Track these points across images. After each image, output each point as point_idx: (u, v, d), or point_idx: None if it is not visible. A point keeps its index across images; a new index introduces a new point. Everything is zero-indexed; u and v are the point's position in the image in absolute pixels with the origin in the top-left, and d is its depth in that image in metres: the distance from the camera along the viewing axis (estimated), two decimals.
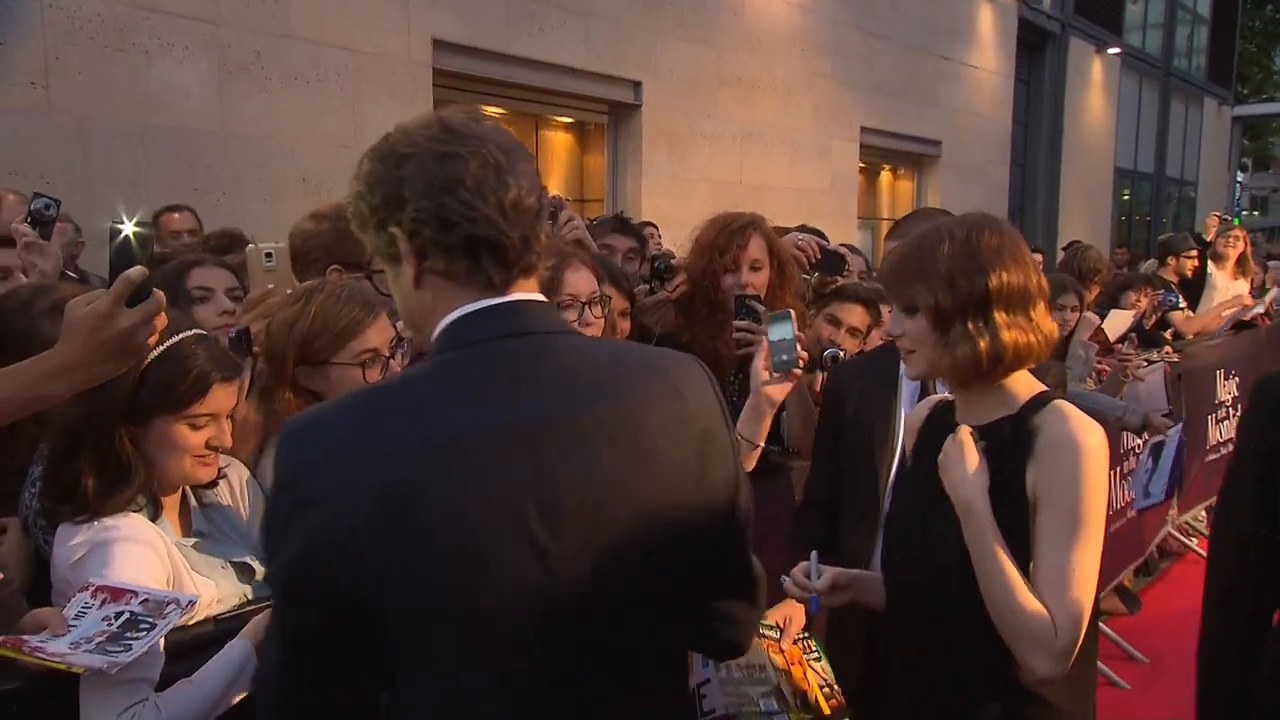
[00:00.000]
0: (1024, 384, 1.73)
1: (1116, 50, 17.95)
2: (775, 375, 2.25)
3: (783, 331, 2.27)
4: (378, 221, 1.26)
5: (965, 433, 1.71)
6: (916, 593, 1.76)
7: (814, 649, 2.27)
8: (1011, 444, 1.67)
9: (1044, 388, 1.75)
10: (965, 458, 1.68)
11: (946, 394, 1.91)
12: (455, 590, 1.14)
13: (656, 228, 6.43)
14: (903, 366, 2.23)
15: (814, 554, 1.96)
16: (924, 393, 2.22)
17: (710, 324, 2.75)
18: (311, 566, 1.13)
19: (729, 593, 1.41)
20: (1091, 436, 1.62)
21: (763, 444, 2.34)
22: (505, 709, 1.19)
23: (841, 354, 2.80)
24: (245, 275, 2.56)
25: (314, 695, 1.17)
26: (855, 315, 3.17)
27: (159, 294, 1.55)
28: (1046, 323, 1.70)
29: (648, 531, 1.24)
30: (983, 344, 1.64)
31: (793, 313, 2.34)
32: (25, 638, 1.47)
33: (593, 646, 1.22)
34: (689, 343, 2.80)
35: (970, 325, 1.65)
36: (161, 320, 1.57)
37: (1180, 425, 4.87)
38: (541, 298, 1.31)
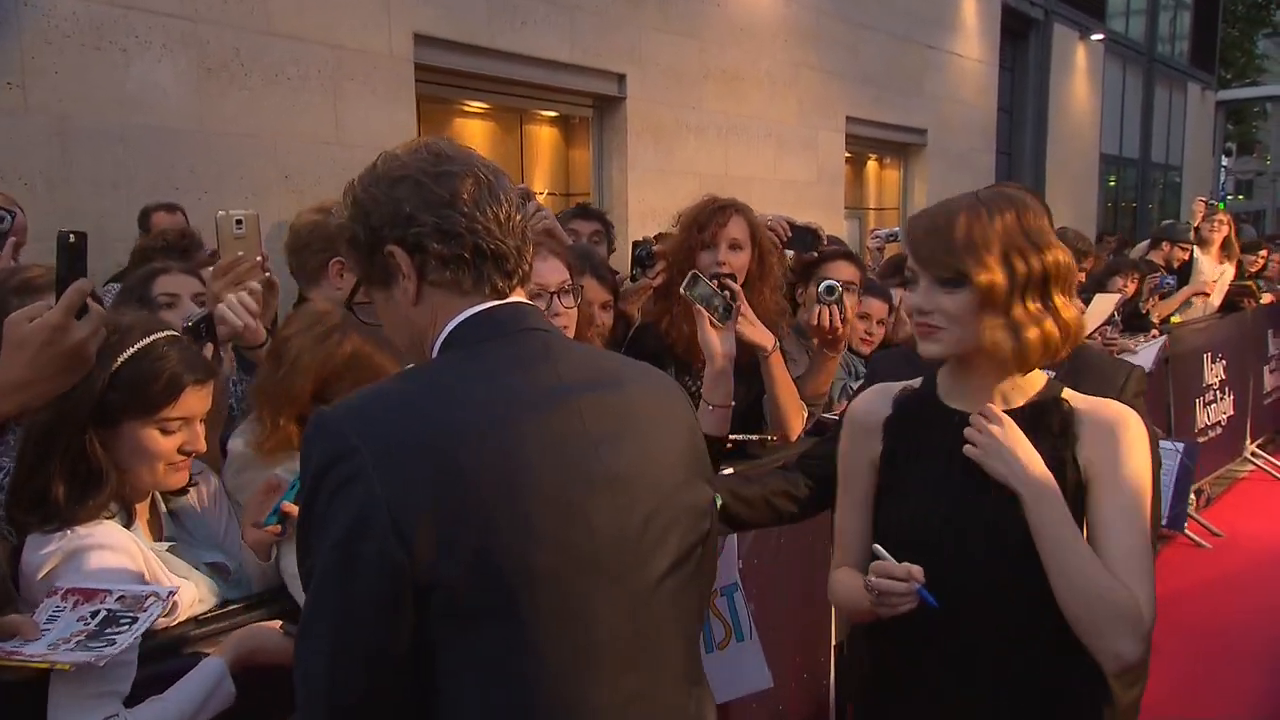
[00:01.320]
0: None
1: (1100, 36, 17.98)
2: (719, 328, 2.35)
3: (700, 288, 2.37)
4: (373, 245, 1.30)
5: (1003, 416, 1.63)
6: (968, 591, 1.64)
7: None
8: (1061, 427, 1.63)
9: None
10: (1019, 441, 1.60)
11: (894, 383, 1.81)
12: (504, 564, 1.17)
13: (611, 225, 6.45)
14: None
15: (876, 546, 1.70)
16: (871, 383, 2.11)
17: (689, 309, 2.73)
18: (359, 543, 1.13)
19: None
20: (1133, 415, 1.63)
21: (731, 403, 2.37)
22: (546, 683, 1.21)
23: (838, 285, 2.77)
24: (208, 280, 2.54)
25: (366, 680, 1.16)
26: (845, 270, 3.21)
27: (95, 307, 1.53)
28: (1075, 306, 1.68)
29: (666, 514, 1.31)
30: (1049, 326, 1.58)
31: (696, 271, 2.43)
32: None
33: (629, 620, 1.27)
34: (667, 328, 2.78)
35: (1032, 306, 1.58)
36: (102, 332, 1.56)
37: (1183, 447, 4.76)
38: (531, 303, 1.38)
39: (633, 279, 2.57)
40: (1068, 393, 1.67)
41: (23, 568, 1.60)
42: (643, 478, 1.29)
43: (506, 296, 1.33)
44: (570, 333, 2.32)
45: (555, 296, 2.33)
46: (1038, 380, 1.69)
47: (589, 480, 1.23)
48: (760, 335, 2.56)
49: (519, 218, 1.33)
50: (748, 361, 2.62)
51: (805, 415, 2.76)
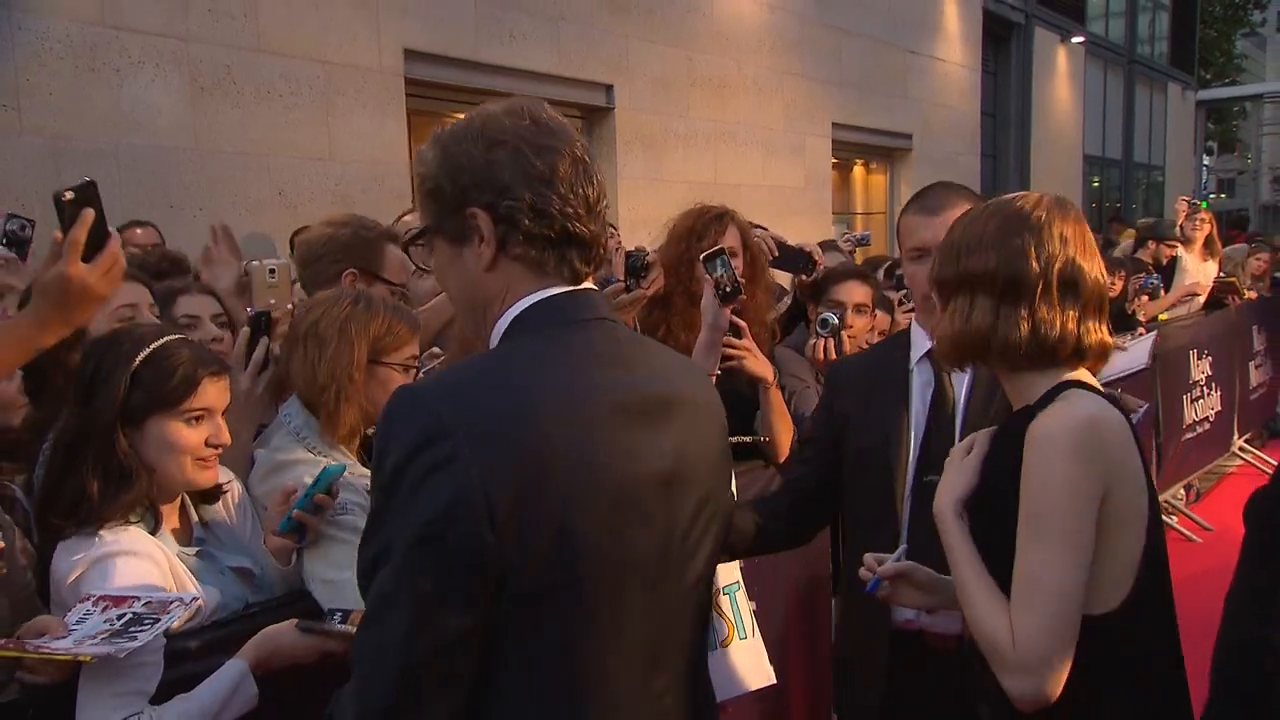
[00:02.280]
0: (1050, 375, 1.62)
1: (1080, 39, 18.17)
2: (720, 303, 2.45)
3: (719, 269, 2.46)
4: (458, 203, 1.28)
5: (972, 438, 1.65)
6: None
7: None
8: (1016, 439, 1.56)
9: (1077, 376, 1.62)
10: (953, 464, 1.63)
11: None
12: (580, 552, 1.18)
13: (616, 229, 6.48)
14: (911, 361, 2.18)
15: (903, 547, 1.89)
16: (939, 388, 2.13)
17: (685, 316, 2.78)
18: (451, 525, 1.12)
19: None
20: (1068, 427, 1.50)
21: (717, 372, 2.50)
22: (596, 674, 1.22)
23: (836, 319, 2.83)
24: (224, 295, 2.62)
25: (442, 664, 1.14)
26: (857, 292, 3.24)
27: (114, 238, 1.63)
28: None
29: (708, 513, 1.35)
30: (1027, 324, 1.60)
31: (724, 254, 2.49)
32: (25, 640, 1.50)
33: (670, 616, 1.31)
34: (664, 336, 2.83)
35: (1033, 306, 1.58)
36: (120, 264, 1.64)
37: (1145, 407, 4.98)
38: (599, 290, 1.39)
39: (627, 289, 2.61)
40: (1062, 397, 1.58)
41: (52, 574, 1.66)
42: (695, 478, 1.32)
43: (581, 281, 1.33)
44: None
45: None
46: (1043, 383, 1.62)
47: (653, 477, 1.25)
48: (762, 369, 2.65)
49: (605, 199, 1.33)
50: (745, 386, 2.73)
51: (792, 437, 2.84)
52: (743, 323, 2.62)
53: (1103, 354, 1.63)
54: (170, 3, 5.49)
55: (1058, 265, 1.57)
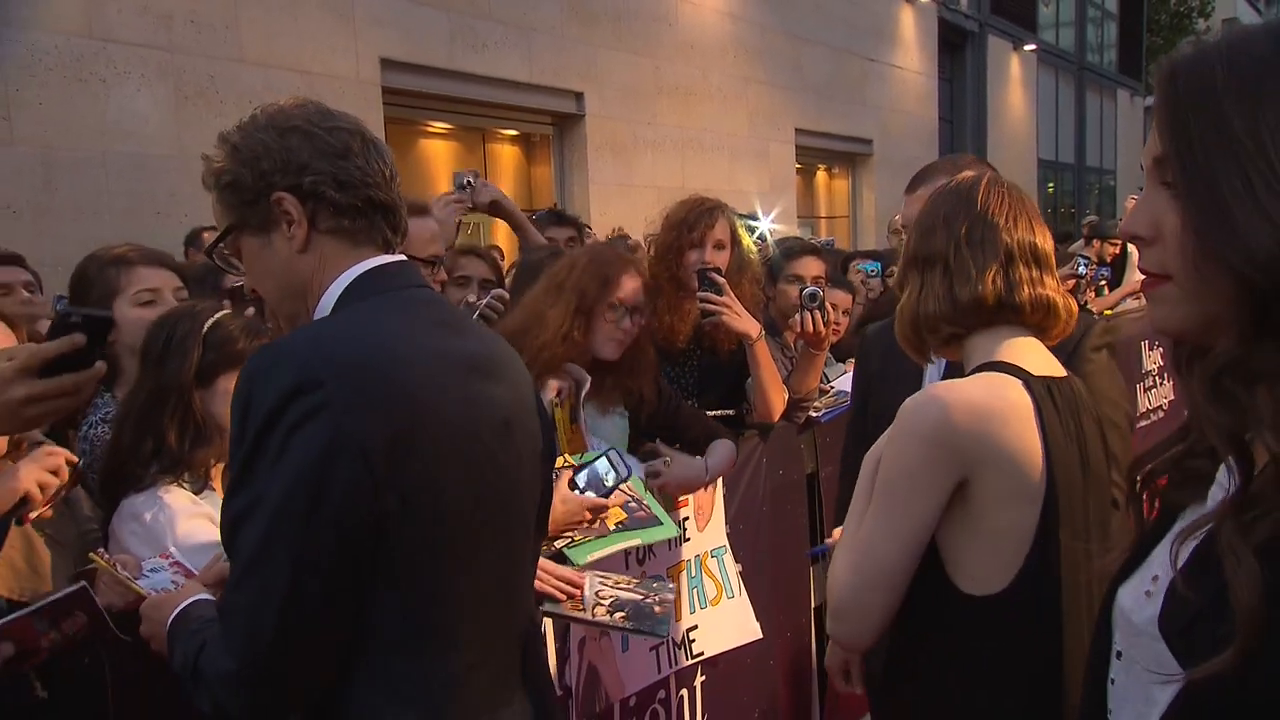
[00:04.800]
0: (982, 351, 1.59)
1: (1032, 47, 18.67)
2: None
3: (704, 288, 2.70)
4: (260, 191, 1.31)
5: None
6: None
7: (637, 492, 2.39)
8: None
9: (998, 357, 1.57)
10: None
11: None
12: (447, 496, 1.24)
13: (591, 229, 6.67)
14: None
15: None
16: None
17: (672, 300, 2.93)
18: (327, 472, 1.14)
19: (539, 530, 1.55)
20: (925, 410, 1.48)
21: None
22: (474, 615, 1.30)
23: (819, 291, 2.88)
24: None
25: (323, 611, 1.17)
26: (813, 266, 3.44)
27: (89, 373, 1.42)
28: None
29: (534, 459, 1.43)
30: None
31: (711, 276, 2.71)
32: (116, 558, 1.67)
33: (524, 555, 1.43)
34: (648, 319, 3.00)
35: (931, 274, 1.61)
36: (80, 399, 1.46)
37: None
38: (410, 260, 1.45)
39: None
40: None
41: (113, 530, 1.82)
42: (526, 430, 1.40)
43: (394, 251, 1.38)
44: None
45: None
46: (978, 356, 1.61)
47: (497, 426, 1.33)
48: (747, 324, 2.77)
49: (398, 180, 1.39)
50: (735, 349, 2.88)
51: (785, 397, 2.98)
52: (722, 280, 2.75)
53: (1047, 308, 1.58)
54: (155, 15, 5.63)
55: (963, 226, 1.58)
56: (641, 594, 2.06)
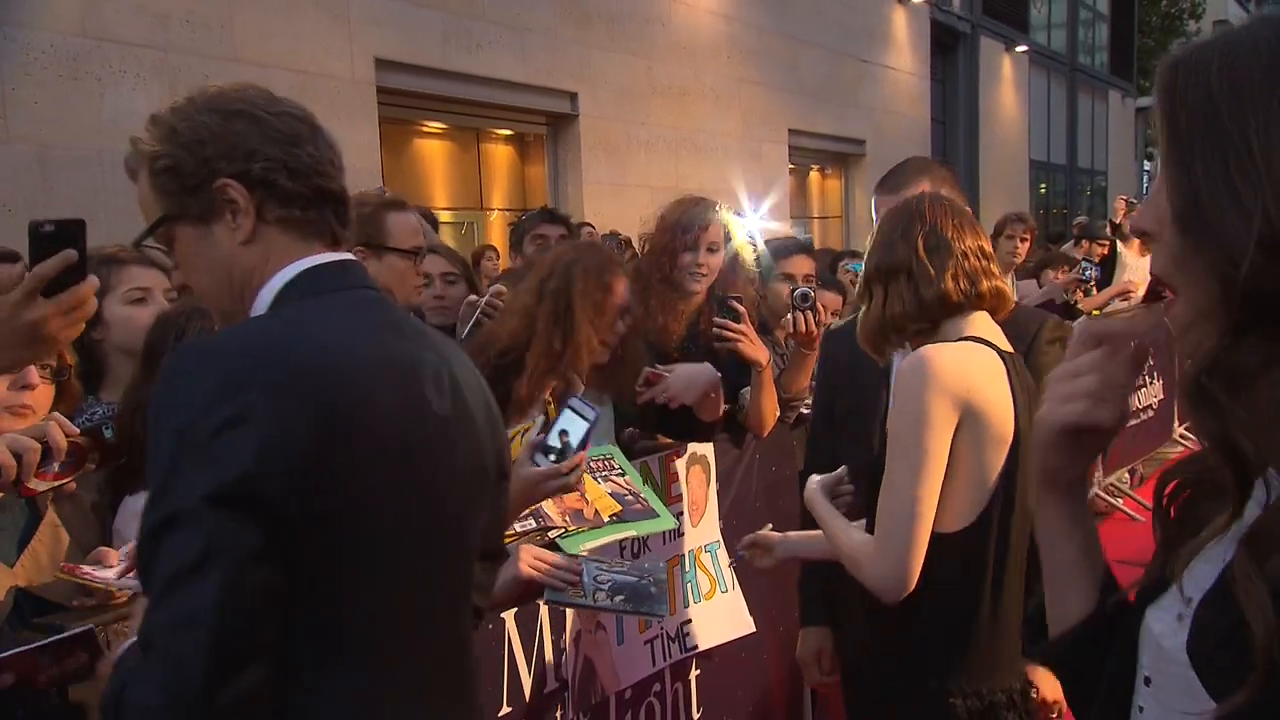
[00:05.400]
0: (954, 331, 1.84)
1: (1024, 48, 18.74)
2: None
3: (720, 313, 2.70)
4: (203, 177, 1.22)
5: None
6: None
7: (615, 465, 2.36)
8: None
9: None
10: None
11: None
12: (380, 505, 1.17)
13: (594, 227, 6.70)
14: None
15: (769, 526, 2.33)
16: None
17: (664, 300, 2.96)
18: (253, 481, 1.06)
19: (488, 555, 1.49)
20: (920, 362, 1.74)
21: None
22: (392, 632, 1.22)
23: (811, 291, 2.93)
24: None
25: (255, 627, 1.07)
26: (803, 264, 3.49)
27: (90, 282, 1.44)
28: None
29: (477, 472, 1.35)
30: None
31: (732, 304, 2.73)
32: (81, 566, 1.67)
33: (458, 569, 1.34)
34: (641, 317, 3.03)
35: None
36: (87, 309, 1.46)
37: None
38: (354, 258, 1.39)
39: None
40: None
41: (117, 525, 1.84)
42: (471, 439, 1.33)
43: (341, 244, 1.31)
44: None
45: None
46: (953, 330, 1.85)
47: (438, 435, 1.25)
48: (759, 352, 2.83)
49: (344, 169, 1.32)
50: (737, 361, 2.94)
51: (777, 415, 3.04)
52: (742, 309, 2.80)
53: (1000, 295, 1.86)
54: (150, 14, 5.65)
55: (920, 235, 1.83)
56: (636, 575, 2.09)
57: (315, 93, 6.52)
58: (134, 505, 1.84)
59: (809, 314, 2.88)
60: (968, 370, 1.76)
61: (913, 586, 1.75)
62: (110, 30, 5.47)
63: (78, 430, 1.57)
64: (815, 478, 2.02)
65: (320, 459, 1.10)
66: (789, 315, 2.92)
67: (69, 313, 1.43)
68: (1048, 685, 1.98)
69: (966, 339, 1.82)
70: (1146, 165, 32.35)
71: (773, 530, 2.35)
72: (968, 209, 1.96)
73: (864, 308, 1.92)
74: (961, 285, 1.81)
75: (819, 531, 2.18)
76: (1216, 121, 0.84)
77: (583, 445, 1.97)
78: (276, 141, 1.24)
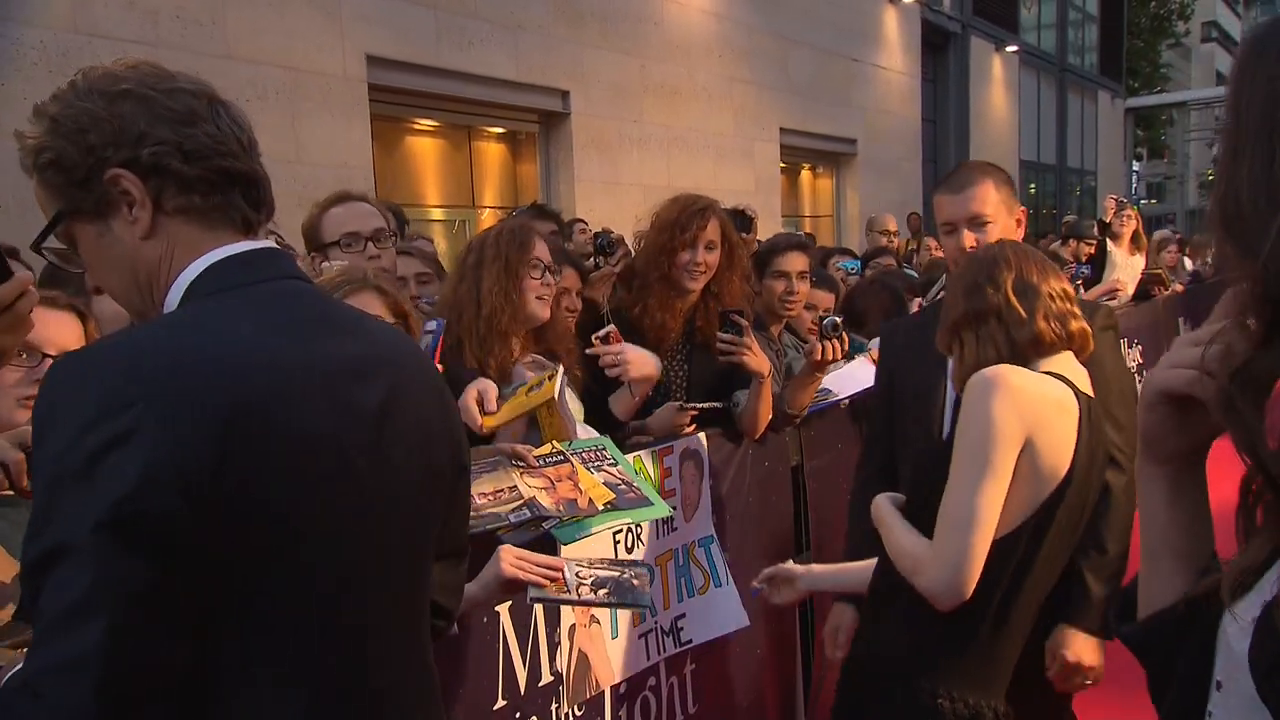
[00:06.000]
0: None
1: (1014, 48, 18.82)
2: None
3: (724, 328, 2.76)
4: (91, 168, 1.11)
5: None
6: None
7: (607, 455, 2.38)
8: None
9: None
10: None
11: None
12: (294, 521, 1.08)
13: (586, 224, 6.71)
14: None
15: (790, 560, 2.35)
16: None
17: (662, 298, 2.99)
18: (141, 505, 0.96)
19: (452, 554, 1.41)
20: (992, 379, 1.80)
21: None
22: (330, 644, 1.13)
23: (839, 320, 2.95)
24: None
25: (152, 666, 0.98)
26: (799, 261, 3.50)
27: (8, 289, 1.28)
28: None
29: (425, 471, 1.25)
30: None
31: (735, 319, 2.79)
32: None
33: (412, 573, 1.25)
34: (639, 315, 3.04)
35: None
36: (24, 305, 1.31)
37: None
38: (283, 248, 1.33)
39: (596, 266, 2.85)
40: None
41: None
42: (411, 439, 1.22)
43: (255, 231, 1.21)
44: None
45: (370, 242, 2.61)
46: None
47: (362, 439, 1.15)
48: (760, 364, 2.86)
49: (258, 147, 1.21)
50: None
51: (770, 418, 3.06)
52: (745, 322, 2.83)
53: (1085, 337, 1.92)
54: (140, 10, 5.64)
55: (1009, 281, 1.90)
56: (618, 570, 2.10)
57: (307, 89, 6.52)
58: None
59: (836, 343, 2.92)
60: (1037, 400, 1.81)
61: (968, 594, 1.78)
62: (100, 26, 5.46)
63: None
64: (881, 501, 2.03)
65: (223, 473, 1.00)
66: (815, 342, 2.94)
67: (20, 290, 1.28)
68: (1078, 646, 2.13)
69: (1048, 374, 1.87)
70: (1135, 166, 32.54)
71: (795, 563, 2.37)
72: (1039, 251, 2.03)
73: (955, 354, 1.97)
74: (1053, 326, 1.88)
75: (847, 565, 2.27)
76: (1258, 101, 0.79)
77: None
78: (167, 122, 1.12)
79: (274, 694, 1.08)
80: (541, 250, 2.55)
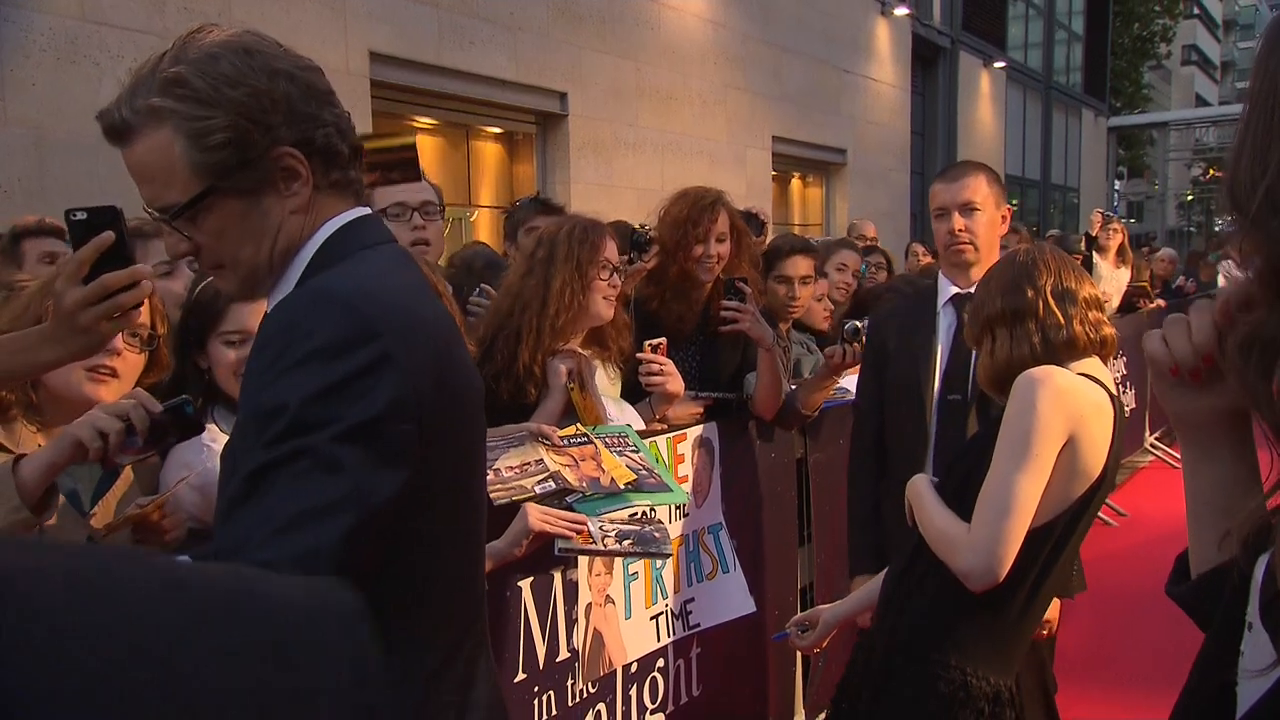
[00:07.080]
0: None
1: (1002, 64, 19.04)
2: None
3: (730, 297, 2.82)
4: (264, 146, 1.14)
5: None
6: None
7: (629, 443, 2.45)
8: None
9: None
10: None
11: None
12: (459, 453, 1.20)
13: None
14: (938, 305, 2.66)
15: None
16: (959, 324, 2.54)
17: (681, 290, 3.08)
18: (389, 424, 1.04)
19: None
20: (1041, 377, 1.88)
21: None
22: (458, 585, 1.24)
23: (861, 325, 3.00)
24: None
25: (363, 573, 1.02)
26: (802, 265, 3.57)
27: (119, 274, 1.37)
28: None
29: (482, 436, 1.36)
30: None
31: (740, 286, 2.85)
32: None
33: (482, 526, 1.36)
34: (658, 308, 3.12)
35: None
36: (128, 298, 1.39)
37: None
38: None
39: (630, 262, 2.90)
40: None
41: (163, 475, 1.92)
42: (477, 390, 1.32)
43: (361, 197, 1.27)
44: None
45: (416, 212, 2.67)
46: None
47: (476, 393, 1.27)
48: (762, 330, 2.95)
49: None
50: (736, 339, 3.03)
51: (782, 400, 3.12)
52: (748, 290, 2.91)
53: (1113, 343, 2.02)
54: (148, 0, 5.66)
55: (1049, 285, 1.97)
56: (638, 524, 2.19)
57: None
58: (182, 455, 1.90)
59: (857, 347, 2.99)
60: (1081, 402, 1.89)
61: (1002, 577, 1.85)
62: (108, 15, 5.47)
63: (160, 407, 1.59)
64: (919, 480, 2.11)
65: (437, 404, 1.10)
66: (838, 346, 3.00)
67: (112, 296, 1.36)
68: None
69: (1082, 375, 1.95)
70: (1117, 184, 32.91)
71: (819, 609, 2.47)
72: (1073, 259, 2.14)
73: (984, 349, 2.04)
74: (1089, 331, 1.97)
75: (861, 591, 2.36)
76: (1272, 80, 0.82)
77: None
78: (321, 101, 1.17)
79: (412, 617, 1.16)
80: (611, 251, 2.59)
